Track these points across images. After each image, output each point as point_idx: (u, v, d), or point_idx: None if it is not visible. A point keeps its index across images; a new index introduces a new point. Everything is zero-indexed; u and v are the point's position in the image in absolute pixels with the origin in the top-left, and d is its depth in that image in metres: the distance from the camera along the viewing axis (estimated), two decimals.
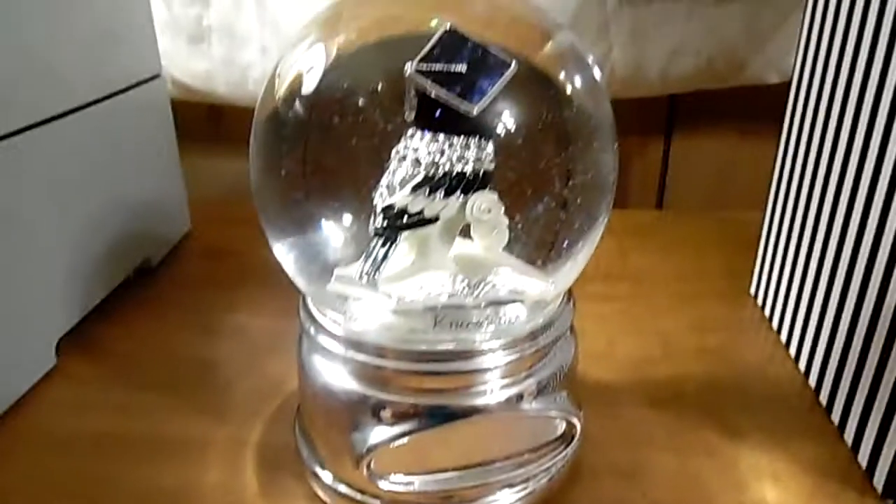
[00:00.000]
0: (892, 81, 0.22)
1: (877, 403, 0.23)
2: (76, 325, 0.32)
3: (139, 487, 0.24)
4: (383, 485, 0.21)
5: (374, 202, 0.20)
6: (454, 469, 0.22)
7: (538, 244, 0.22)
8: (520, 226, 0.21)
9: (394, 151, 0.19)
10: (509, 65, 0.18)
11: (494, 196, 0.19)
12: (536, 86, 0.21)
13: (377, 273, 0.20)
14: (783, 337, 0.32)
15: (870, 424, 0.24)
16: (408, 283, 0.20)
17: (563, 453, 0.23)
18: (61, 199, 0.31)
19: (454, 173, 0.19)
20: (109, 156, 0.35)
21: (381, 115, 0.20)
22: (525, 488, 0.22)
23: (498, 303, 0.20)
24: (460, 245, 0.21)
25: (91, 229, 0.33)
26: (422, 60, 0.18)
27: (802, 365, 0.30)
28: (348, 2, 0.24)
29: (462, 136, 0.18)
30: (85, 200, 0.33)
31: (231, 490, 0.24)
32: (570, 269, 0.23)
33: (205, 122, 0.51)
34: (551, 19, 0.22)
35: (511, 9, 0.22)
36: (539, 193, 0.21)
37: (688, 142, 0.51)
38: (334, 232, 0.22)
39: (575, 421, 0.22)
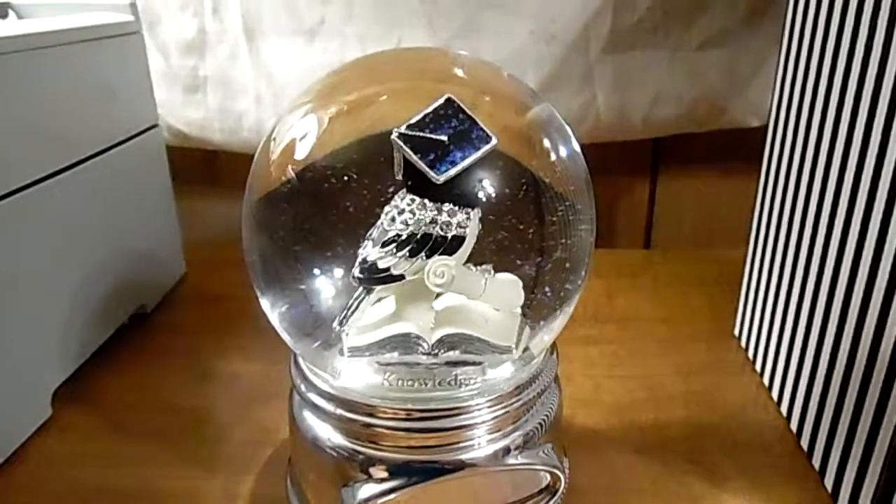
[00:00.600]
0: (875, 120, 0.23)
1: (854, 449, 0.24)
2: (72, 374, 0.33)
3: None
4: None
5: (359, 252, 0.21)
6: None
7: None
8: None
9: (387, 207, 0.20)
10: (489, 140, 0.19)
11: (451, 262, 0.20)
12: (516, 159, 0.22)
13: (345, 321, 0.21)
14: (766, 380, 0.32)
15: (848, 470, 0.24)
16: (372, 335, 0.21)
17: None
18: (58, 250, 0.32)
19: (420, 235, 0.20)
20: (106, 206, 0.36)
21: (368, 182, 0.21)
22: None
23: (453, 363, 0.21)
24: (451, 299, 0.22)
25: (88, 279, 0.34)
26: (411, 126, 0.20)
27: (784, 409, 0.30)
28: (345, 73, 0.25)
29: (437, 202, 0.19)
30: (82, 251, 0.34)
31: None
32: (547, 333, 0.23)
33: (200, 166, 0.52)
34: (531, 92, 0.23)
35: (495, 84, 0.23)
36: (513, 266, 0.22)
37: (673, 182, 0.52)
38: (320, 295, 0.22)
39: (559, 473, 0.22)
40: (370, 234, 0.20)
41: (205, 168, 0.52)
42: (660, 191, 0.52)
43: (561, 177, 0.22)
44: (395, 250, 0.20)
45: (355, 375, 0.22)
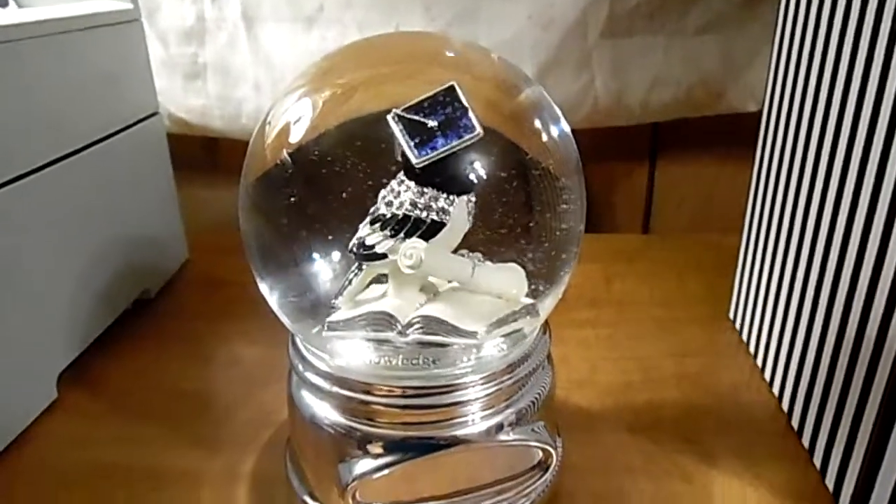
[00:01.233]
0: (864, 107, 0.23)
1: (841, 428, 0.25)
2: (77, 358, 0.33)
3: None
4: None
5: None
6: (437, 497, 0.23)
7: None
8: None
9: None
10: (473, 130, 0.19)
11: (422, 245, 0.20)
12: (506, 145, 0.22)
13: (338, 296, 0.22)
14: (759, 361, 0.33)
15: (836, 448, 0.25)
16: (351, 311, 0.22)
17: (541, 480, 0.24)
18: (62, 236, 0.32)
19: (401, 216, 0.20)
20: (109, 192, 0.36)
21: (363, 163, 0.21)
22: None
23: (422, 344, 0.21)
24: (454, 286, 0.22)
25: (91, 264, 0.35)
26: (409, 108, 0.20)
27: (776, 389, 0.31)
28: (339, 57, 0.25)
29: (424, 185, 0.20)
30: (85, 236, 0.34)
31: None
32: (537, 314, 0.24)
33: (201, 154, 0.53)
34: (522, 74, 0.23)
35: (486, 67, 0.24)
36: (502, 246, 0.22)
37: (672, 167, 0.52)
38: (318, 279, 0.23)
39: (551, 450, 0.23)
40: (370, 211, 0.21)
41: (206, 155, 0.53)
42: (658, 176, 0.53)
43: (551, 158, 0.22)
44: (379, 229, 0.20)
45: (351, 354, 0.22)
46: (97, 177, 0.35)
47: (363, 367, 0.22)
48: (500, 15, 0.43)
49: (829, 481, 0.25)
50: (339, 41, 0.45)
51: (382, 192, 0.21)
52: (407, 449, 0.22)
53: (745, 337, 0.35)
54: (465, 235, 0.21)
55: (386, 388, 0.22)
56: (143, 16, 0.39)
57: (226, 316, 0.38)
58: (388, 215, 0.20)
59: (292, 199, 0.22)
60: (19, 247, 0.30)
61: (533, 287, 0.23)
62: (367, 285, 0.23)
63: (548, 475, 0.24)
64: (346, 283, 0.22)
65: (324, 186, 0.22)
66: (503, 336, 0.22)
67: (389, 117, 0.20)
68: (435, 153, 0.19)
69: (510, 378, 0.22)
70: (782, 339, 0.30)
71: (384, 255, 0.21)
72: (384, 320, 0.21)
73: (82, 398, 0.32)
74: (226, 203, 0.46)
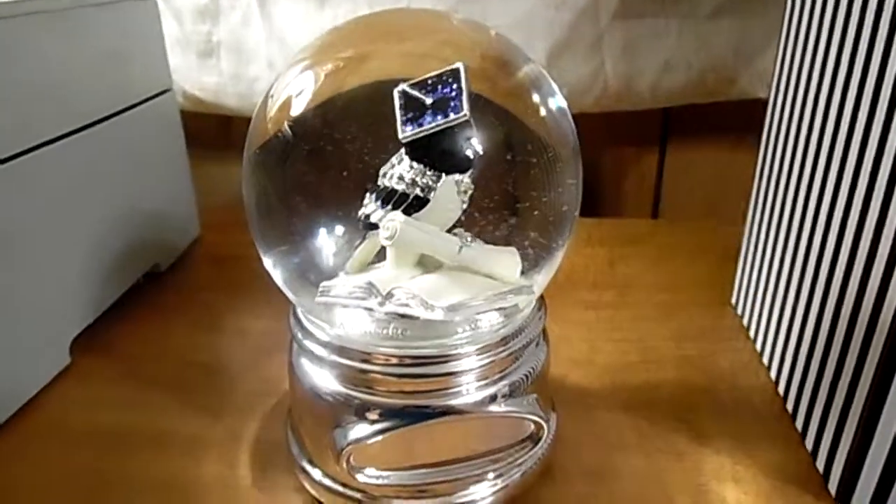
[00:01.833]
0: (868, 96, 0.23)
1: (832, 410, 0.25)
2: (89, 325, 0.34)
3: (143, 478, 0.26)
4: (361, 478, 0.23)
5: None
6: (430, 465, 0.23)
7: None
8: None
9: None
10: (459, 112, 0.19)
11: (400, 218, 0.21)
12: (502, 123, 0.22)
13: (345, 264, 0.22)
14: (758, 346, 0.33)
15: (826, 431, 0.25)
16: (341, 280, 0.22)
17: (533, 452, 0.24)
18: (76, 208, 0.33)
19: (389, 189, 0.21)
20: (123, 167, 0.37)
21: (362, 135, 0.22)
22: (496, 484, 0.24)
23: (398, 315, 0.22)
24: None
25: (104, 237, 0.36)
26: (414, 84, 0.20)
27: (773, 374, 0.31)
28: (343, 31, 0.25)
29: (415, 161, 0.20)
30: (99, 209, 0.35)
31: (227, 483, 0.26)
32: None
33: (215, 131, 0.53)
34: (522, 53, 0.23)
35: (486, 44, 0.24)
36: (495, 227, 0.22)
37: (682, 153, 0.52)
38: (317, 249, 0.23)
39: (542, 423, 0.23)
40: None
41: (220, 133, 0.54)
42: (668, 162, 0.52)
43: (547, 134, 0.23)
44: (374, 199, 0.21)
45: (351, 324, 0.23)
46: (111, 151, 0.36)
47: (360, 336, 0.23)
48: None
49: (820, 463, 0.26)
50: None
51: (385, 165, 0.21)
52: (401, 416, 0.22)
53: (745, 322, 0.35)
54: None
55: (382, 357, 0.22)
56: None
57: (234, 290, 0.39)
58: (381, 187, 0.21)
59: (291, 169, 0.22)
60: (35, 216, 0.30)
61: (525, 263, 0.23)
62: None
63: (539, 448, 0.24)
64: (354, 251, 0.23)
65: (323, 158, 0.22)
66: (481, 313, 0.22)
67: (395, 91, 0.20)
68: (420, 130, 0.19)
69: (504, 350, 0.23)
70: (780, 325, 0.30)
71: (376, 225, 0.21)
72: (366, 289, 0.22)
73: (94, 364, 0.33)
74: (238, 181, 0.47)
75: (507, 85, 0.23)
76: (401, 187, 0.20)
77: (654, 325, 0.36)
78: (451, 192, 0.21)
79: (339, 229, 0.22)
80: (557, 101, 0.23)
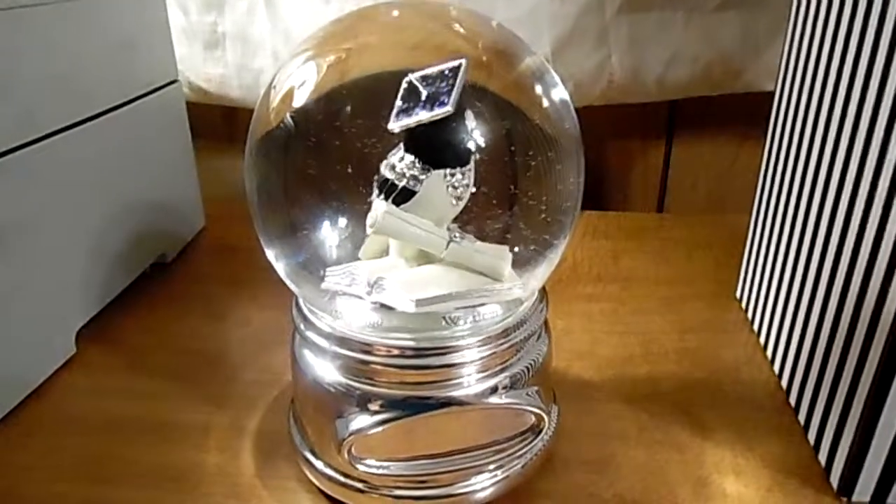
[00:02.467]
0: (875, 88, 0.23)
1: (835, 403, 0.25)
2: (95, 315, 0.35)
3: (147, 467, 0.26)
4: (363, 468, 0.23)
5: None
6: (431, 456, 0.23)
7: None
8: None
9: None
10: (444, 106, 0.19)
11: (382, 208, 0.21)
12: (502, 114, 0.22)
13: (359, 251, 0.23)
14: (762, 340, 0.33)
15: (829, 424, 0.25)
16: (341, 268, 0.23)
17: (534, 444, 0.24)
18: (82, 198, 0.33)
19: (383, 178, 0.21)
20: (128, 157, 0.37)
21: (364, 128, 0.22)
22: (497, 476, 0.24)
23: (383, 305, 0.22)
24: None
25: (110, 226, 0.36)
26: (420, 77, 0.21)
27: (777, 367, 0.31)
28: (345, 22, 0.25)
29: (409, 152, 0.20)
30: (104, 199, 0.35)
31: (229, 472, 0.26)
32: (531, 279, 0.24)
33: (220, 123, 0.54)
34: (523, 44, 0.23)
35: (489, 35, 0.24)
36: (493, 218, 0.22)
37: (688, 146, 0.52)
38: (319, 239, 0.23)
39: (543, 414, 0.24)
40: None
41: (225, 125, 0.54)
42: (674, 155, 0.52)
43: (549, 126, 0.23)
44: (376, 187, 0.21)
45: (353, 315, 0.23)
46: (117, 141, 0.36)
47: (362, 327, 0.23)
48: None
49: (822, 456, 0.26)
50: None
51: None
52: (403, 407, 0.22)
53: (750, 316, 0.35)
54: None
55: (384, 348, 0.22)
56: None
57: (238, 281, 0.39)
58: (380, 176, 0.21)
59: (292, 159, 0.22)
60: (41, 206, 0.31)
61: (524, 254, 0.23)
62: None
63: (540, 439, 0.24)
64: (366, 239, 0.23)
65: (325, 148, 0.22)
66: (460, 308, 0.22)
67: (404, 80, 0.20)
68: (407, 121, 0.20)
69: (505, 342, 0.23)
70: (784, 319, 0.30)
71: None
72: (352, 276, 0.22)
73: (99, 354, 0.33)
74: (243, 173, 0.47)
75: (508, 76, 0.23)
76: (392, 177, 0.21)
77: (658, 319, 0.35)
78: (439, 186, 0.21)
79: (341, 219, 0.22)
80: (559, 93, 0.23)
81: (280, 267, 0.24)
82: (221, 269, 0.42)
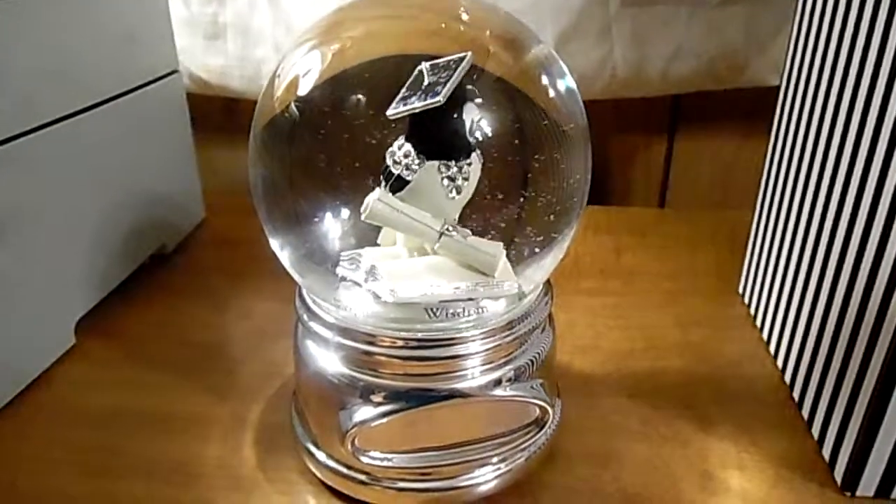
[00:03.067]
0: (882, 82, 0.23)
1: (840, 398, 0.25)
2: (94, 307, 0.34)
3: (147, 458, 0.26)
4: (366, 460, 0.23)
5: None
6: (435, 448, 0.23)
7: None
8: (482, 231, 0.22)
9: None
10: (434, 97, 0.19)
11: (375, 196, 0.21)
12: (505, 99, 0.22)
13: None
14: (765, 335, 0.33)
15: (833, 419, 0.25)
16: (347, 253, 0.23)
17: (538, 437, 0.24)
18: (82, 188, 0.33)
19: (384, 167, 0.21)
20: (128, 148, 0.37)
21: (369, 116, 0.22)
22: (500, 468, 0.24)
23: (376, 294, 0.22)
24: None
25: (110, 217, 0.35)
26: (431, 66, 0.20)
27: (780, 362, 0.31)
28: (348, 10, 0.25)
29: (408, 141, 0.20)
30: (104, 190, 0.35)
31: (230, 464, 0.26)
32: (537, 271, 0.24)
33: (220, 115, 0.53)
34: (531, 32, 0.23)
35: (496, 24, 0.24)
36: (497, 210, 0.22)
37: (691, 141, 0.52)
38: (323, 229, 0.23)
39: (547, 407, 0.23)
40: None
41: (226, 116, 0.53)
42: (677, 150, 0.52)
43: (557, 115, 0.22)
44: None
45: (356, 305, 0.23)
46: (117, 131, 0.36)
47: (366, 318, 0.22)
48: None
49: (826, 451, 0.26)
50: None
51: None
52: (406, 399, 0.22)
53: (752, 311, 0.35)
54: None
55: (388, 339, 0.22)
56: None
57: (239, 273, 0.39)
58: (384, 165, 0.21)
59: (296, 148, 0.22)
60: (40, 196, 0.30)
61: (531, 246, 0.23)
62: None
63: (544, 433, 0.24)
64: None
65: (330, 136, 0.22)
66: (445, 302, 0.22)
67: (417, 68, 0.20)
68: (402, 110, 0.19)
69: (509, 335, 0.23)
70: (788, 313, 0.30)
71: None
72: (355, 261, 0.22)
73: (99, 345, 0.33)
74: (244, 165, 0.47)
75: (516, 64, 0.23)
76: (389, 165, 0.21)
77: (661, 313, 0.35)
78: (433, 177, 0.21)
79: (346, 208, 0.22)
80: (567, 82, 0.23)
81: (284, 256, 0.24)
82: (221, 261, 0.42)
